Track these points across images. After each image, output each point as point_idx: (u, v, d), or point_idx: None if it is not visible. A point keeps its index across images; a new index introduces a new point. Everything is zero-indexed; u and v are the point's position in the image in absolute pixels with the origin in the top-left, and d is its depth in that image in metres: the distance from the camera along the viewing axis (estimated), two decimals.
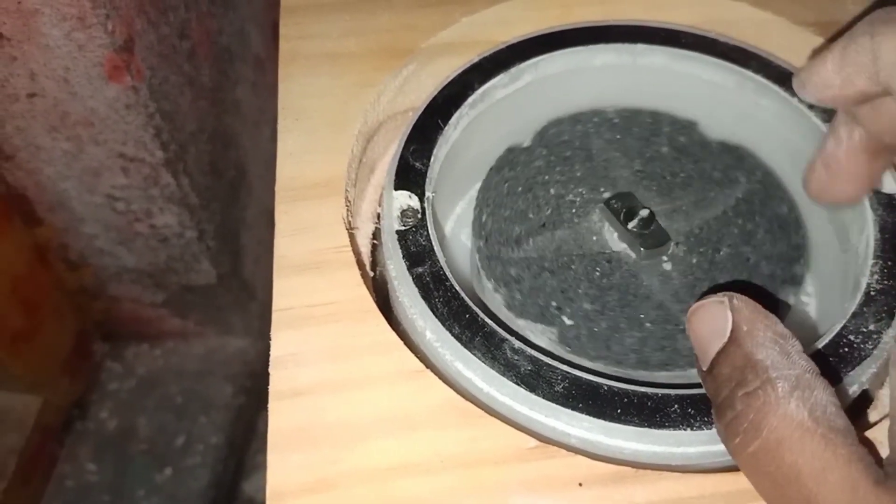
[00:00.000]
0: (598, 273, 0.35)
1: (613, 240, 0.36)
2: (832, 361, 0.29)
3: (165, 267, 0.64)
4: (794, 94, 0.36)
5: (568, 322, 0.33)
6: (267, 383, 0.28)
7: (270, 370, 0.28)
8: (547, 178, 0.38)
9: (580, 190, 0.37)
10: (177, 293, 0.68)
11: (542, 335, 0.33)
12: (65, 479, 0.67)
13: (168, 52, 0.52)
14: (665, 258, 0.35)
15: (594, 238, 0.36)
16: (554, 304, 0.33)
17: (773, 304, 0.34)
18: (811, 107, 0.36)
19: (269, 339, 0.29)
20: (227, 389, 0.71)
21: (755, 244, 0.36)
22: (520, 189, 0.37)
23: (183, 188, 0.57)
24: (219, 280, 0.67)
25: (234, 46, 0.64)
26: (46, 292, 0.64)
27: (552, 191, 0.37)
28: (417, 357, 0.30)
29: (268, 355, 0.29)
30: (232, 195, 0.66)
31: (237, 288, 0.70)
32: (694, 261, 0.35)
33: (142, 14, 0.48)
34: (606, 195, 0.37)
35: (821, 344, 0.29)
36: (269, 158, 0.33)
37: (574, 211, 0.37)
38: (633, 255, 0.35)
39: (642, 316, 0.33)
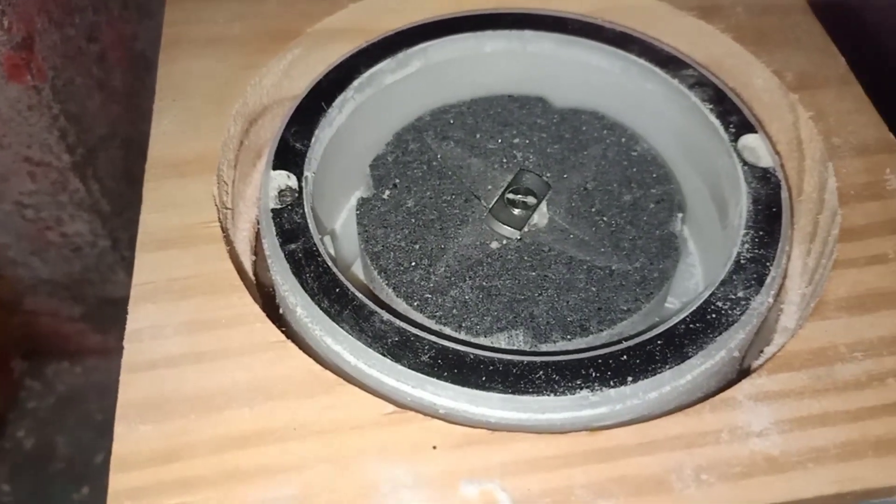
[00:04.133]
0: (503, 260, 0.34)
1: (502, 228, 0.35)
2: (699, 327, 0.29)
3: (81, 278, 0.63)
4: (676, 76, 0.37)
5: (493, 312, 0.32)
6: None
7: (125, 343, 0.28)
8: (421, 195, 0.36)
9: (454, 195, 0.36)
10: (95, 306, 0.66)
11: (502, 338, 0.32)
12: None
13: (74, 54, 0.52)
14: (563, 222, 0.35)
15: (488, 232, 0.35)
16: (474, 303, 0.33)
17: (667, 237, 0.35)
18: (691, 87, 0.36)
19: None
20: None
21: (632, 187, 0.36)
22: (399, 217, 0.35)
23: (93, 194, 0.56)
24: None
25: (151, 54, 0.63)
26: None
27: (431, 203, 0.36)
28: (290, 336, 0.29)
29: None
30: None
31: None
32: (584, 213, 0.35)
33: (42, 13, 0.48)
34: (489, 188, 0.36)
35: (688, 311, 0.29)
36: None
37: (459, 215, 0.36)
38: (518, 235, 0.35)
39: (552, 276, 0.33)
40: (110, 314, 0.67)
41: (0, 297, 0.65)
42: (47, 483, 0.66)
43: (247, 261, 0.33)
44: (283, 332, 0.28)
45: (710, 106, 0.36)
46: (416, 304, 0.32)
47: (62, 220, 0.57)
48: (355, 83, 0.37)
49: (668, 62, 0.37)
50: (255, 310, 0.29)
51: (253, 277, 0.33)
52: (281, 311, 0.32)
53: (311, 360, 0.27)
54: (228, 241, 0.31)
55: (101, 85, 0.55)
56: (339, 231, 0.39)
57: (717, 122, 0.35)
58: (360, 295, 0.30)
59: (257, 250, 0.35)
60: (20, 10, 0.46)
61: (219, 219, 0.31)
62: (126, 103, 0.59)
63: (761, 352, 0.31)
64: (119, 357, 0.73)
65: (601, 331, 0.32)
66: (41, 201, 0.56)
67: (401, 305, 0.33)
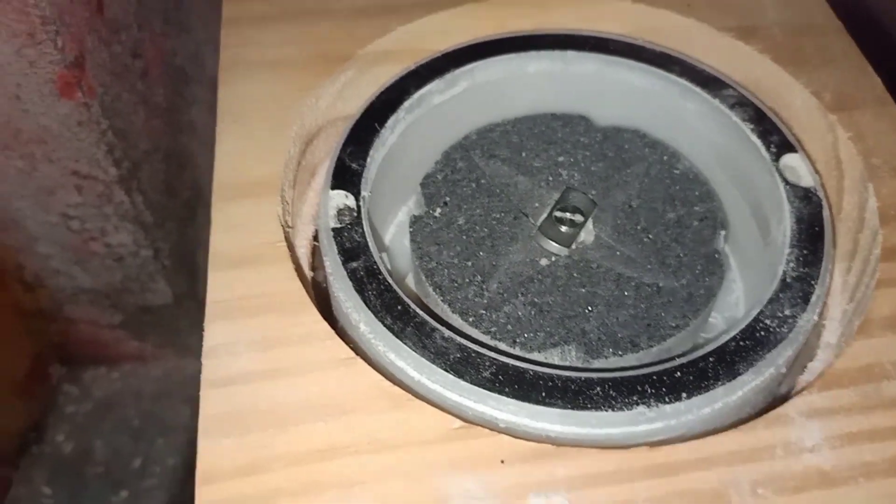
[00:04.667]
0: (553, 276, 0.35)
1: (551, 245, 0.36)
2: (749, 345, 0.30)
3: (121, 287, 0.64)
4: (716, 96, 0.38)
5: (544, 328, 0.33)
6: None
7: (203, 360, 0.29)
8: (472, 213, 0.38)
9: (503, 213, 0.38)
10: (134, 314, 0.68)
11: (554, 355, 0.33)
12: (19, 503, 0.66)
13: (120, 71, 0.53)
14: (609, 239, 0.36)
15: (537, 248, 0.36)
16: (527, 320, 0.34)
17: (711, 253, 0.36)
18: (732, 107, 0.38)
19: None
20: (185, 411, 0.71)
21: (675, 204, 0.38)
22: (451, 235, 0.37)
23: (137, 206, 0.58)
24: (175, 300, 0.67)
25: (189, 68, 0.65)
26: (2, 314, 0.64)
27: (481, 222, 0.37)
28: (354, 351, 0.30)
29: None
30: (188, 215, 0.67)
31: (195, 309, 0.70)
32: (630, 230, 0.37)
33: (93, 32, 0.49)
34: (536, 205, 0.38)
35: (738, 328, 0.31)
36: None
37: (508, 232, 0.37)
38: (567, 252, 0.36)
39: (601, 292, 0.34)
40: (148, 322, 0.69)
41: (40, 306, 0.66)
42: (85, 486, 0.68)
43: (305, 277, 0.35)
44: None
45: (751, 126, 0.37)
46: (471, 319, 0.34)
47: (106, 230, 0.59)
48: (406, 104, 0.38)
49: (709, 82, 0.39)
50: (325, 327, 0.30)
51: (312, 292, 0.35)
52: (340, 325, 0.33)
53: (380, 377, 0.29)
54: (294, 260, 0.32)
55: (144, 100, 0.57)
56: (389, 245, 0.40)
57: (758, 142, 0.36)
58: (421, 312, 0.31)
59: (314, 266, 0.36)
60: (73, 30, 0.47)
61: (285, 238, 0.32)
62: (167, 117, 0.61)
63: (805, 367, 0.32)
64: (154, 363, 0.74)
65: (651, 346, 0.33)
66: (86, 213, 0.57)
67: (456, 321, 0.34)
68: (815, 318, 0.31)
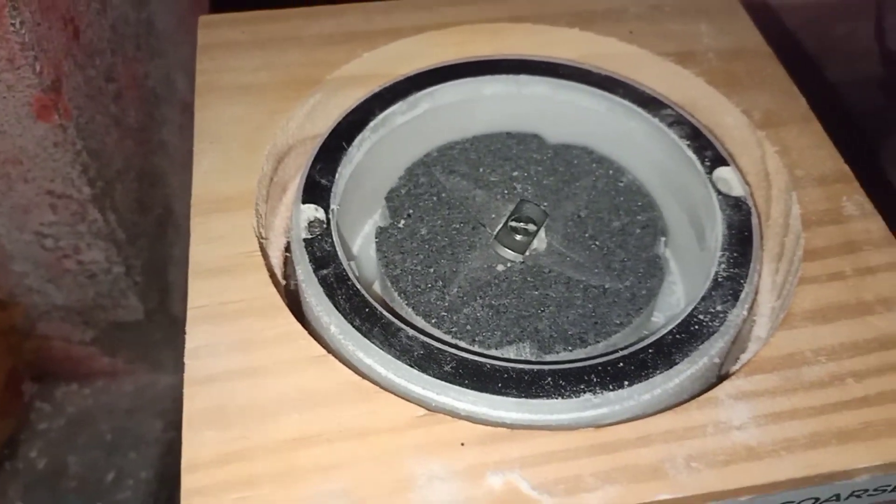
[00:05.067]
0: (509, 281, 0.38)
1: (507, 252, 0.39)
2: (684, 337, 0.33)
3: (94, 304, 0.66)
4: (656, 115, 0.42)
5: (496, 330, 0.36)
6: None
7: (185, 360, 0.31)
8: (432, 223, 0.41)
9: (462, 224, 0.40)
10: (106, 330, 0.69)
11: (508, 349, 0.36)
12: None
13: (95, 94, 0.55)
14: (560, 246, 0.39)
15: (493, 256, 0.39)
16: (484, 319, 0.37)
17: (652, 258, 0.39)
18: (670, 125, 0.41)
19: None
20: (157, 425, 0.72)
21: (620, 214, 0.41)
22: (415, 244, 0.39)
23: (110, 224, 0.59)
24: (147, 316, 0.69)
25: (161, 90, 0.67)
26: None
27: (442, 229, 0.40)
28: (325, 349, 0.33)
29: None
30: (159, 232, 0.69)
31: (166, 324, 0.71)
32: (579, 238, 0.40)
33: (69, 56, 0.51)
34: (493, 216, 0.41)
35: (674, 323, 0.34)
36: None
37: (467, 241, 0.40)
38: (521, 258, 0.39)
39: (553, 294, 0.38)
40: (120, 337, 0.70)
41: (14, 323, 0.68)
42: (60, 501, 0.69)
43: (279, 284, 0.37)
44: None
45: (688, 142, 0.40)
46: (433, 321, 0.36)
47: (80, 248, 0.60)
48: (371, 124, 0.41)
49: (649, 103, 0.42)
50: (299, 328, 0.32)
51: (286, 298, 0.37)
52: (312, 327, 0.36)
53: (350, 372, 0.31)
54: (269, 268, 0.35)
55: (117, 121, 0.59)
56: (357, 254, 0.43)
57: (693, 157, 0.40)
58: (387, 314, 0.34)
59: (286, 275, 0.39)
60: (50, 55, 0.49)
61: (260, 248, 0.35)
62: (138, 138, 0.63)
63: (738, 358, 0.36)
64: (126, 378, 0.76)
65: (598, 342, 0.36)
66: (61, 231, 0.59)
67: (420, 322, 0.37)
68: (745, 313, 0.35)
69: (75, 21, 0.52)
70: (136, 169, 0.62)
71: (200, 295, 0.33)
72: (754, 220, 0.37)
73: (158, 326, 0.71)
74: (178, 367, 0.73)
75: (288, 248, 0.39)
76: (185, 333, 0.32)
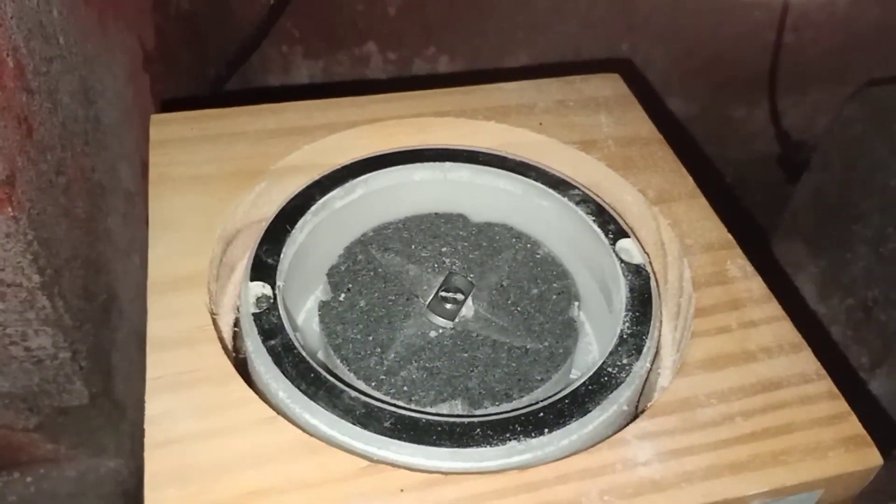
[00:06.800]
0: (441, 345, 0.42)
1: (438, 320, 0.43)
2: (595, 388, 0.38)
3: (38, 390, 0.67)
4: (565, 195, 0.47)
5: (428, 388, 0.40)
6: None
7: (146, 426, 0.34)
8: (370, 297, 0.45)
9: (397, 295, 0.45)
10: (49, 416, 0.70)
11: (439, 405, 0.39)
12: None
13: (46, 187, 0.58)
14: (486, 312, 0.44)
15: (426, 323, 0.43)
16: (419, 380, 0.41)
17: (568, 321, 0.44)
18: (578, 203, 0.47)
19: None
20: None
21: (538, 282, 0.46)
22: (354, 315, 0.43)
23: (58, 310, 0.61)
24: (91, 400, 0.70)
25: (106, 181, 0.70)
26: None
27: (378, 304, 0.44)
28: (275, 411, 0.36)
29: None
30: (104, 317, 0.71)
31: (109, 408, 0.72)
32: (502, 304, 0.44)
33: (23, 153, 0.55)
34: (425, 288, 0.45)
35: (587, 376, 0.38)
36: (138, 284, 0.38)
37: (402, 311, 0.44)
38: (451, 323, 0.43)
39: (480, 356, 0.42)
40: (63, 423, 0.71)
41: None
42: None
43: (230, 355, 0.40)
44: None
45: (593, 218, 0.46)
46: (373, 384, 0.40)
47: (27, 335, 0.62)
48: (312, 208, 0.45)
49: (559, 184, 0.48)
50: (251, 394, 0.36)
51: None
52: (261, 393, 0.39)
53: (299, 431, 0.35)
54: (220, 340, 0.38)
55: (66, 212, 0.62)
56: (301, 325, 0.47)
57: (599, 230, 0.45)
58: (331, 378, 0.37)
59: (236, 348, 0.42)
60: (6, 152, 0.53)
61: (212, 322, 0.38)
62: (86, 227, 0.66)
63: (646, 407, 0.40)
64: (69, 464, 0.76)
65: (521, 397, 0.40)
66: (9, 319, 0.61)
67: (361, 385, 0.40)
68: (648, 364, 0.40)
69: (29, 120, 0.56)
70: (82, 257, 0.65)
71: (158, 367, 0.36)
72: (653, 284, 0.43)
73: (101, 411, 0.72)
74: (120, 450, 0.74)
75: (237, 323, 0.42)
76: (127, 417, 0.35)
